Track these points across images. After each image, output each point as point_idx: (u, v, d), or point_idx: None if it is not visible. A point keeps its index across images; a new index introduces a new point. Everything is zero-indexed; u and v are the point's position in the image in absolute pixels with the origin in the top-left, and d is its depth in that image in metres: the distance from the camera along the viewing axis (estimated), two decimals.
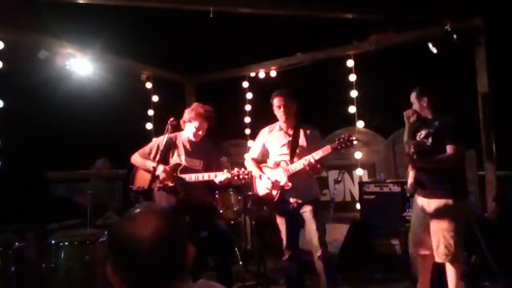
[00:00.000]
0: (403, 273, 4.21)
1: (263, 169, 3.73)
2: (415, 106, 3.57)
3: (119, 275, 1.16)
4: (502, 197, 4.37)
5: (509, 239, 3.99)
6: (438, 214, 3.26)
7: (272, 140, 3.74)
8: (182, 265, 1.21)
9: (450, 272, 3.30)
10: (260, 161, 3.83)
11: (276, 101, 3.64)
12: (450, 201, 3.24)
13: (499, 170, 4.47)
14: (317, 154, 3.32)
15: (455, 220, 3.24)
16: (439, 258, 3.28)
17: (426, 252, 3.42)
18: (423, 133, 3.46)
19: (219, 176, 3.45)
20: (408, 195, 3.67)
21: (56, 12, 4.54)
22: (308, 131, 3.64)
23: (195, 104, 3.78)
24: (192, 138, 3.70)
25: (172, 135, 3.70)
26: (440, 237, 3.24)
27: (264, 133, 3.85)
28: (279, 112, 3.63)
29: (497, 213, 4.33)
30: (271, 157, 3.74)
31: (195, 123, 3.65)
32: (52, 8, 4.45)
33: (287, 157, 3.56)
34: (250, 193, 4.36)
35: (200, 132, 3.68)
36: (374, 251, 4.66)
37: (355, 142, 3.30)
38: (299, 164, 3.44)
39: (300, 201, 3.55)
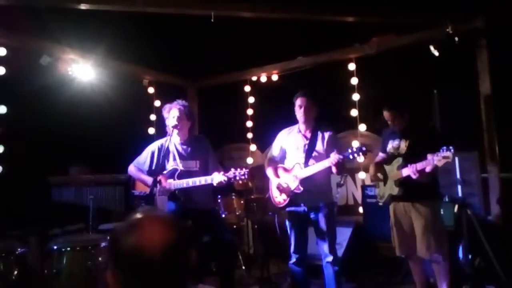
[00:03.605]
0: (406, 276, 4.19)
1: (279, 171, 3.73)
2: (391, 121, 3.68)
3: (122, 283, 1.15)
4: (505, 200, 4.35)
5: None
6: (427, 215, 3.47)
7: (290, 142, 3.74)
8: (188, 271, 1.20)
9: (440, 269, 3.50)
10: (278, 162, 3.83)
11: (298, 101, 3.64)
12: (434, 202, 3.55)
13: (503, 172, 4.45)
14: (328, 162, 3.32)
15: (440, 219, 3.60)
16: (432, 256, 3.45)
17: (417, 253, 3.54)
18: (402, 143, 3.63)
19: (215, 178, 3.45)
20: (380, 204, 3.80)
21: (58, 18, 4.56)
22: (326, 135, 3.62)
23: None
24: (178, 132, 3.69)
25: (164, 141, 3.72)
26: (430, 236, 3.43)
27: (282, 134, 3.85)
28: (299, 112, 3.64)
29: (501, 216, 4.31)
30: (288, 158, 3.75)
31: (172, 114, 3.69)
32: (54, 13, 4.46)
33: (302, 160, 3.56)
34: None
35: (177, 121, 3.65)
36: (377, 254, 4.64)
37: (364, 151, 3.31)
38: (312, 169, 3.44)
39: (311, 205, 3.54)
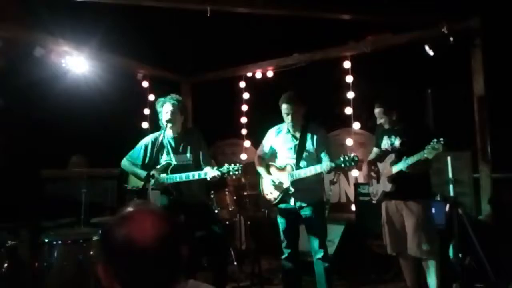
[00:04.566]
0: (397, 274, 4.22)
1: (271, 169, 3.75)
2: (381, 118, 3.70)
3: (113, 276, 1.14)
4: (496, 200, 4.38)
5: (503, 242, 4.00)
6: (418, 213, 3.49)
7: (279, 142, 3.75)
8: (180, 266, 1.19)
9: (432, 268, 3.51)
10: (268, 160, 3.85)
11: (284, 109, 3.59)
12: (426, 201, 3.58)
13: (494, 173, 4.48)
14: (320, 168, 3.38)
15: (431, 217, 3.61)
16: (422, 254, 3.48)
17: (408, 251, 3.56)
18: (395, 140, 3.64)
19: (209, 173, 3.44)
20: (374, 202, 3.83)
21: (52, 9, 4.51)
22: (315, 135, 3.62)
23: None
24: (171, 126, 3.68)
25: (157, 136, 3.71)
26: (421, 234, 3.45)
27: (271, 134, 3.85)
28: (286, 119, 3.62)
29: (492, 216, 4.35)
30: (278, 157, 3.76)
31: (165, 108, 3.68)
32: (48, 5, 4.42)
33: (293, 161, 3.58)
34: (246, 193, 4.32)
35: (170, 116, 3.64)
36: (369, 252, 4.67)
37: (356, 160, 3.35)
38: (303, 173, 3.48)
39: (301, 203, 3.57)
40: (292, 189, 3.52)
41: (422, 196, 3.55)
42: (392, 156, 3.58)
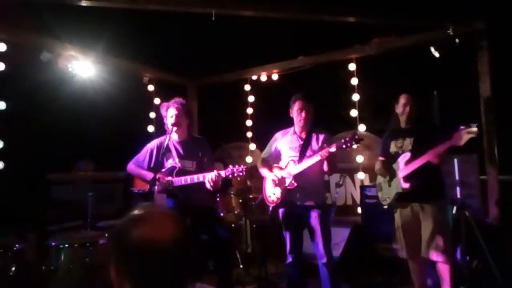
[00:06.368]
0: (404, 277, 4.19)
1: (274, 170, 3.75)
2: (402, 107, 3.63)
3: (125, 276, 1.15)
4: (504, 202, 4.35)
5: (510, 244, 3.98)
6: (434, 215, 3.39)
7: (285, 143, 3.76)
8: (190, 268, 1.20)
9: (446, 270, 3.40)
10: (272, 162, 3.85)
11: (298, 104, 3.62)
12: (442, 202, 3.46)
13: (501, 175, 4.45)
14: (323, 154, 3.34)
15: (448, 219, 3.50)
16: (438, 257, 3.37)
17: (421, 254, 3.48)
18: (406, 141, 3.55)
19: (213, 175, 3.43)
20: (386, 207, 3.70)
21: (59, 14, 4.55)
22: (321, 136, 3.63)
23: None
24: (176, 130, 3.69)
25: (163, 140, 3.73)
26: (438, 237, 3.35)
27: (278, 136, 3.87)
28: (299, 116, 3.62)
29: (499, 218, 4.32)
30: (282, 158, 3.77)
31: (169, 113, 3.69)
32: (55, 10, 4.46)
33: (296, 158, 3.59)
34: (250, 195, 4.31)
35: (175, 119, 3.65)
36: (375, 255, 4.65)
37: (358, 142, 3.31)
38: (304, 164, 3.46)
39: (305, 204, 3.55)
40: (295, 184, 3.51)
41: (438, 198, 3.46)
42: (406, 155, 3.46)
